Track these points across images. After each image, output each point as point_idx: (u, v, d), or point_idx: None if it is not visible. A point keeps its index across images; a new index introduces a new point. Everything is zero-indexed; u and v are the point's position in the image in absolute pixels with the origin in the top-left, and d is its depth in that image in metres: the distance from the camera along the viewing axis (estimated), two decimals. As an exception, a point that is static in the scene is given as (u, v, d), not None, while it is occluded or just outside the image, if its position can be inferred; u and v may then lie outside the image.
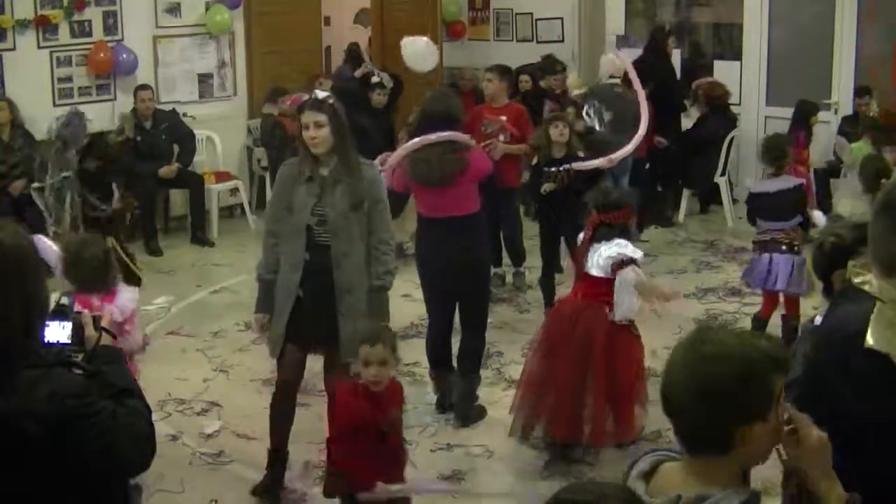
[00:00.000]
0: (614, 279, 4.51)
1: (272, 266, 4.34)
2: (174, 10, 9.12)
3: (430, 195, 5.14)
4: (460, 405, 5.20)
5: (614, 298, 4.53)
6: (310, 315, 4.25)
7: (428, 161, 5.06)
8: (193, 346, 6.38)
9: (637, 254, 4.58)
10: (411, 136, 5.41)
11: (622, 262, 4.50)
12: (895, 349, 2.08)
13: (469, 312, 5.22)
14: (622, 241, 4.56)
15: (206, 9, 9.24)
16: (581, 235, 4.80)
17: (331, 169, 4.20)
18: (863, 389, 2.08)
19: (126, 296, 4.12)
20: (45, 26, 8.32)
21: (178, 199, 9.12)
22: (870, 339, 2.09)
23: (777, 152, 6.07)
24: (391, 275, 4.35)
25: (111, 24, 8.72)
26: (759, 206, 6.03)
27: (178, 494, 4.50)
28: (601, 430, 4.62)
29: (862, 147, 7.49)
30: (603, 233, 4.59)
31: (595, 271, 4.58)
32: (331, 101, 4.20)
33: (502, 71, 7.36)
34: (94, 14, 8.59)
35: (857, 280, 2.21)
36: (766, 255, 5.87)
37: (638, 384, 4.68)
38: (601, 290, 4.58)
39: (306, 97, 4.31)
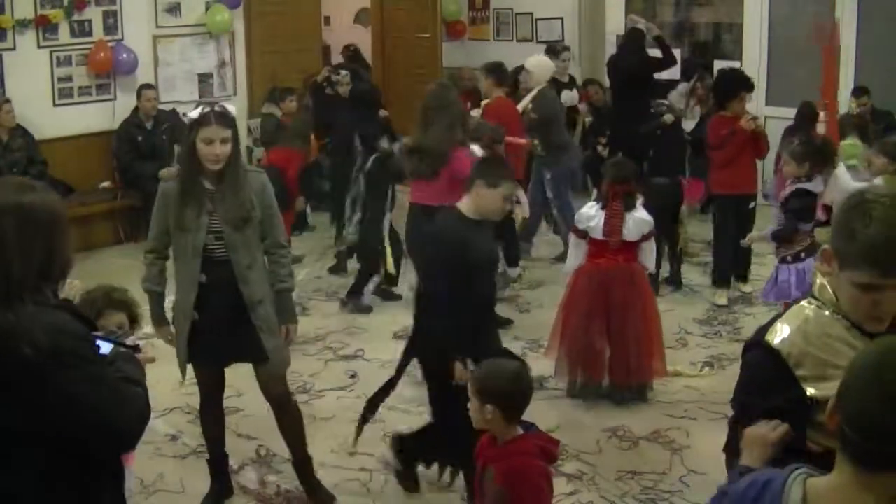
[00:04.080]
0: (638, 241, 5.31)
1: (157, 278, 4.21)
2: (174, 9, 9.13)
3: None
4: None
5: (641, 259, 5.37)
6: (216, 333, 4.10)
7: None
8: (193, 345, 6.37)
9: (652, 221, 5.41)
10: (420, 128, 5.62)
11: (650, 234, 5.35)
12: (796, 349, 2.19)
13: None
14: (641, 208, 5.37)
15: (206, 9, 9.25)
16: (594, 207, 5.34)
17: (218, 183, 4.01)
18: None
19: None
20: (45, 26, 8.32)
21: (178, 199, 9.10)
22: (769, 336, 2.24)
23: (820, 156, 5.80)
24: (292, 276, 4.32)
25: (111, 23, 8.72)
26: (807, 208, 5.64)
27: (178, 494, 4.51)
28: (655, 364, 5.41)
29: (852, 144, 7.58)
30: (629, 202, 5.29)
31: (630, 236, 5.27)
32: (232, 115, 4.04)
33: (488, 69, 7.62)
34: (94, 14, 8.60)
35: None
36: (802, 264, 5.50)
37: None
38: (633, 252, 5.32)
39: (208, 108, 4.02)
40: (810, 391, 2.16)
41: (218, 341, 4.12)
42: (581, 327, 5.34)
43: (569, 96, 9.28)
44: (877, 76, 8.66)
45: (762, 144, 6.95)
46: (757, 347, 2.29)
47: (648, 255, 5.41)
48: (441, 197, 5.31)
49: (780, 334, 2.23)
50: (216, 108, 4.00)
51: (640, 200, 5.47)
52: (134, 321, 3.73)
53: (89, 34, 8.60)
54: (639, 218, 5.28)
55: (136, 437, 2.38)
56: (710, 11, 10.28)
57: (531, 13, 11.01)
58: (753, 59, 9.60)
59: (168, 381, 5.62)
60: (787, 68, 9.37)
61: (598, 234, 5.29)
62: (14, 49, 8.19)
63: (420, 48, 10.80)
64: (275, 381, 4.30)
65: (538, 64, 8.11)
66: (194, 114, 3.96)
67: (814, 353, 2.17)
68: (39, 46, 8.35)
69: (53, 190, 2.52)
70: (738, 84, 6.91)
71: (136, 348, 2.57)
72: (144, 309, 3.91)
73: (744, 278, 7.17)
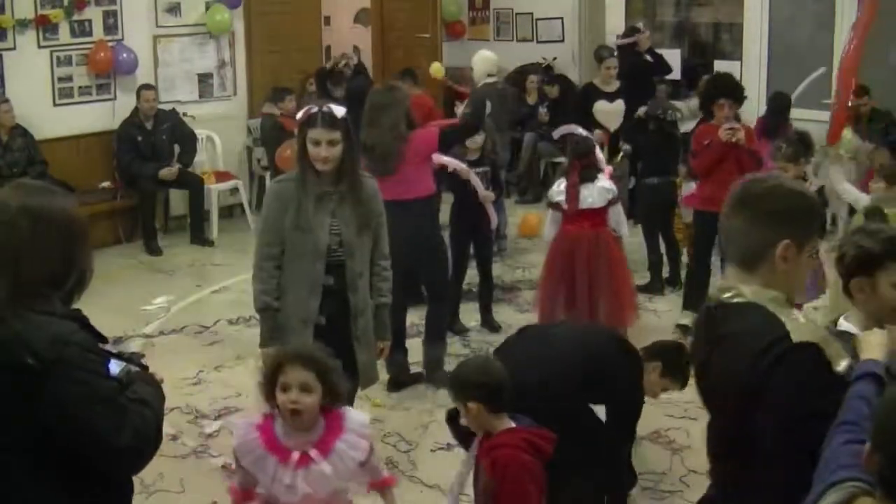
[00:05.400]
0: (607, 206, 5.84)
1: (276, 292, 4.00)
2: (174, 9, 9.12)
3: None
4: (430, 373, 5.67)
5: (612, 222, 5.89)
6: (328, 342, 3.88)
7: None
8: (193, 345, 6.38)
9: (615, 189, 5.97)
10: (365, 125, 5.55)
11: (615, 199, 5.87)
12: (817, 334, 2.16)
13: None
14: (603, 177, 5.89)
15: (206, 9, 9.25)
16: (563, 184, 5.87)
17: (336, 186, 3.94)
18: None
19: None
20: (45, 26, 8.31)
21: (178, 199, 9.12)
22: (794, 335, 2.13)
23: (804, 146, 5.78)
24: (391, 291, 4.23)
25: (111, 23, 8.72)
26: None
27: (178, 494, 4.51)
28: (629, 313, 5.93)
29: (843, 134, 7.73)
30: (587, 174, 5.78)
31: (595, 203, 5.77)
32: (345, 117, 3.91)
33: (403, 73, 8.01)
34: (94, 14, 8.59)
35: (726, 296, 2.25)
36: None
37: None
38: (600, 218, 5.83)
39: (315, 109, 3.94)
40: None
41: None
42: (553, 285, 5.92)
43: (605, 108, 8.24)
44: (877, 76, 8.66)
45: (745, 159, 6.12)
46: (812, 346, 2.14)
47: (617, 220, 5.92)
48: (409, 191, 5.31)
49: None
50: (324, 109, 3.90)
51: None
52: (333, 394, 3.04)
53: (89, 34, 8.59)
54: (601, 187, 5.81)
55: (138, 459, 2.29)
56: (710, 11, 10.28)
57: (531, 13, 11.01)
58: (753, 59, 9.59)
59: (168, 382, 5.63)
60: (787, 68, 9.37)
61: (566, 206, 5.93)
62: (14, 49, 8.18)
63: (420, 48, 10.80)
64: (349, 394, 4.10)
65: (478, 59, 8.05)
66: (301, 115, 3.91)
67: None
68: (39, 46, 8.34)
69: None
70: (717, 90, 6.44)
71: (145, 367, 2.48)
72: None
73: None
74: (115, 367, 2.35)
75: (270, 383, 3.02)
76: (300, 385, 2.96)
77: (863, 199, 5.65)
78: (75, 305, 2.35)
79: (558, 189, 5.92)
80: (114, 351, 2.44)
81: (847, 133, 7.89)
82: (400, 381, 5.61)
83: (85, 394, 2.14)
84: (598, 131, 7.59)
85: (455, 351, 6.04)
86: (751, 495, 2.22)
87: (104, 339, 2.32)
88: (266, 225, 4.06)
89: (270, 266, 4.00)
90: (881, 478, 1.66)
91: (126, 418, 2.21)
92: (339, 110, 3.91)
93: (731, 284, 2.25)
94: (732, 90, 6.41)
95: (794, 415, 2.10)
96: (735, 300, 2.23)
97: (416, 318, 6.20)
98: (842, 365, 2.14)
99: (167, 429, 5.01)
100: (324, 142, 3.84)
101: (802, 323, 2.19)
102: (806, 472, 1.97)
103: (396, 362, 5.59)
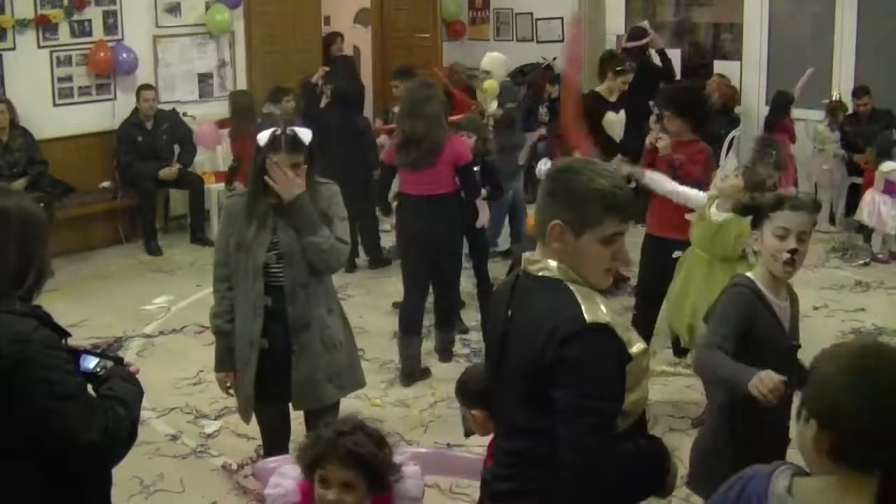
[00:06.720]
0: None
1: (229, 314, 3.82)
2: (174, 9, 9.13)
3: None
4: (442, 356, 6.01)
5: None
6: (277, 365, 3.76)
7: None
8: (193, 345, 6.38)
9: None
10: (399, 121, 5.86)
11: None
12: (612, 318, 2.19)
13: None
14: (579, 153, 6.24)
15: (206, 8, 9.26)
16: (547, 163, 6.43)
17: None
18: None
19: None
20: (45, 26, 8.32)
21: (178, 199, 9.13)
22: (587, 316, 2.16)
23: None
24: (330, 239, 3.71)
25: (111, 23, 8.72)
26: None
27: (178, 494, 4.51)
28: None
29: (823, 128, 7.91)
30: (568, 151, 6.19)
31: None
32: (308, 138, 3.69)
33: (398, 73, 7.97)
34: (94, 14, 8.60)
35: (532, 268, 2.29)
36: None
37: None
38: None
39: (279, 132, 3.68)
40: None
41: (277, 377, 3.76)
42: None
43: (613, 118, 7.44)
44: (877, 76, 8.67)
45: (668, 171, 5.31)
46: (603, 327, 2.26)
47: None
48: (440, 186, 5.68)
49: None
50: (287, 132, 3.66)
51: None
52: (380, 486, 2.64)
53: (89, 34, 8.60)
54: None
55: (107, 456, 2.31)
56: (710, 11, 10.29)
57: (531, 13, 11.02)
58: (753, 59, 9.60)
59: (168, 382, 5.65)
60: (787, 68, 9.37)
61: None
62: (14, 49, 8.18)
63: (420, 48, 10.81)
64: (312, 418, 3.73)
65: (495, 63, 8.00)
66: (264, 137, 3.68)
67: None
68: (39, 46, 8.34)
69: (49, 193, 2.50)
70: (664, 102, 5.82)
71: (120, 360, 2.46)
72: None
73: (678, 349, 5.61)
74: (90, 362, 2.36)
75: (308, 468, 2.63)
76: (341, 484, 2.58)
77: (695, 196, 5.08)
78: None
79: (546, 168, 6.37)
80: (85, 346, 2.47)
81: (819, 126, 8.08)
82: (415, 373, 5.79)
83: (49, 390, 2.16)
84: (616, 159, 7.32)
85: (455, 350, 6.05)
86: (542, 475, 2.22)
87: (67, 334, 2.33)
88: (217, 244, 3.94)
89: (223, 287, 3.85)
90: (840, 455, 1.66)
91: (93, 414, 2.23)
92: (305, 134, 3.70)
93: (538, 258, 2.30)
94: (664, 99, 5.83)
95: (580, 393, 2.15)
96: (541, 273, 2.27)
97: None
98: (636, 348, 2.21)
99: (167, 429, 5.06)
100: (287, 166, 3.64)
101: (601, 309, 2.19)
102: (597, 452, 2.13)
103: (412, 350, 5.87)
